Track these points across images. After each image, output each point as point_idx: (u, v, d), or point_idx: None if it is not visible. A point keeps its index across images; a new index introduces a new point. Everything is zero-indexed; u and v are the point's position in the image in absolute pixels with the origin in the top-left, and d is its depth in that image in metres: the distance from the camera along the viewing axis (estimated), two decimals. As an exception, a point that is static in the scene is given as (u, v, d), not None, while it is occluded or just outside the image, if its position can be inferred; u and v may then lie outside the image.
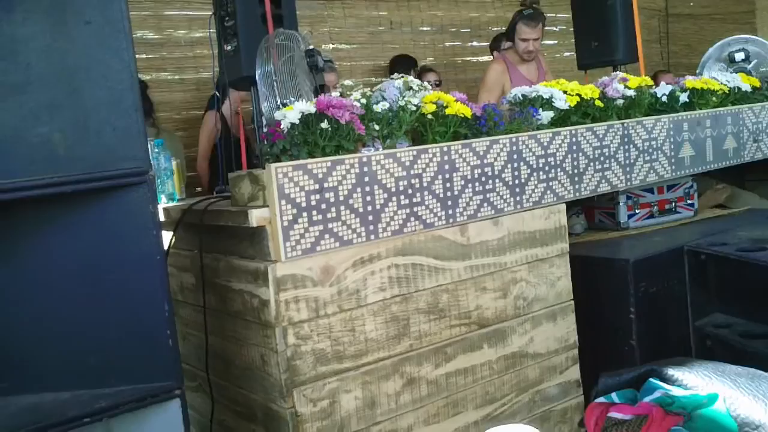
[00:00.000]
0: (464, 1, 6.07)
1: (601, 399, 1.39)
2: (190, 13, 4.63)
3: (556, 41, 6.53)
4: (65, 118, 1.58)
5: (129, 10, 1.60)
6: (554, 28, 6.60)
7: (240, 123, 3.94)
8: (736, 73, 3.50)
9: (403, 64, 4.87)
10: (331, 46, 5.19)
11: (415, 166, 2.11)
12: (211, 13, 2.76)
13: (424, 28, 5.78)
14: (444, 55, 5.87)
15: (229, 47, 2.69)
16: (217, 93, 4.22)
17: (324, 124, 1.92)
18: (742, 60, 3.92)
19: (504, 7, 6.28)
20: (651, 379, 1.15)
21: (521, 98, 2.51)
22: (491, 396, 2.31)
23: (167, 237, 2.20)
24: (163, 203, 2.47)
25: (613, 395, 1.31)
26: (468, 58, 6.10)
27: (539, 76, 4.26)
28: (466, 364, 2.25)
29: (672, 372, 1.15)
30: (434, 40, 5.59)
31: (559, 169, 2.46)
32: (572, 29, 4.44)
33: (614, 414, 1.28)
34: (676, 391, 1.09)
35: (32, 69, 1.56)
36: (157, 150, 2.43)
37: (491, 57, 5.27)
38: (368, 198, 2.02)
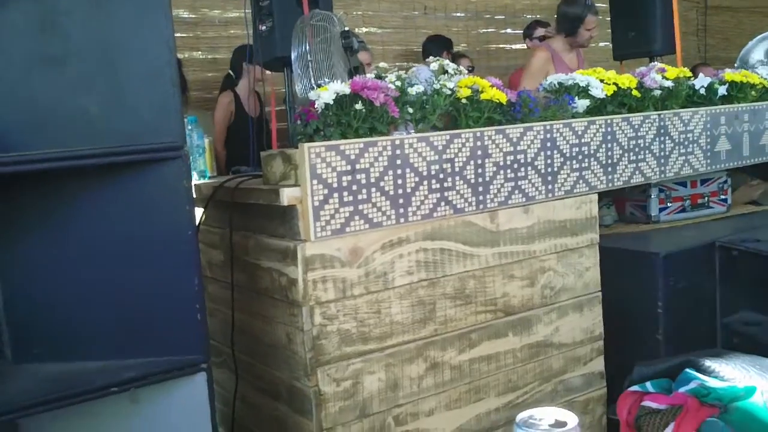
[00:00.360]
0: (500, -13, 6.02)
1: (635, 388, 1.38)
2: (226, -8, 4.65)
3: (591, 31, 6.43)
4: (103, 91, 1.59)
5: (169, -14, 1.60)
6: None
7: (255, 104, 3.95)
8: (776, 68, 3.44)
9: (438, 44, 4.82)
10: (364, 29, 5.17)
11: (448, 151, 2.10)
12: (246, -7, 2.76)
13: (458, 14, 5.74)
14: (477, 41, 5.82)
15: (263, 27, 2.70)
16: (231, 72, 4.24)
17: (358, 105, 1.92)
18: (783, 54, 3.84)
19: (539, -6, 6.22)
20: (687, 370, 1.13)
21: (557, 86, 2.48)
22: (514, 384, 2.30)
23: (198, 213, 2.21)
24: (194, 180, 2.49)
25: (648, 384, 1.30)
26: (501, 45, 6.05)
27: (579, 66, 4.21)
28: (490, 351, 2.24)
29: (709, 363, 1.13)
30: (468, 26, 5.55)
31: (592, 159, 2.43)
32: (608, 19, 4.40)
33: (648, 403, 1.27)
34: (712, 382, 1.08)
35: (71, 41, 1.57)
36: (190, 127, 2.45)
37: (524, 44, 5.22)
38: (399, 181, 2.01)
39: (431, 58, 2.21)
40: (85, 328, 1.67)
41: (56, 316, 1.66)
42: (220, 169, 3.59)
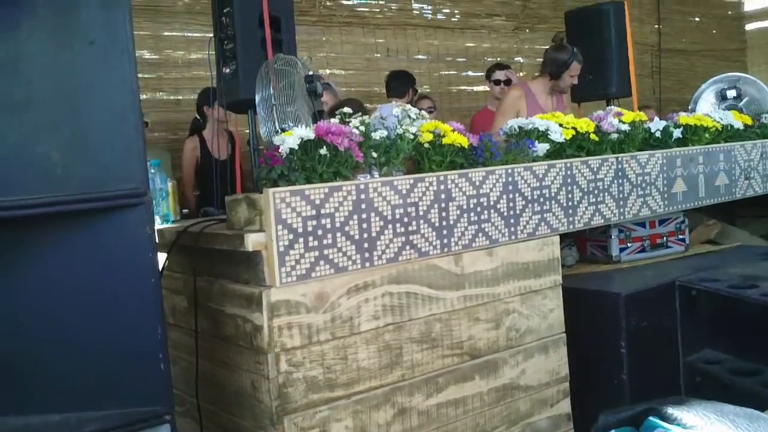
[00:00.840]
0: (460, 30, 6.13)
1: (600, 437, 1.38)
2: (189, 34, 4.65)
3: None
4: (65, 136, 1.57)
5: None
6: (549, 61, 6.66)
7: (223, 145, 3.94)
8: (728, 110, 3.55)
9: (402, 81, 4.84)
10: (327, 71, 5.21)
11: (412, 195, 2.11)
12: (210, 35, 2.77)
13: (420, 57, 5.83)
14: (439, 83, 5.91)
15: (227, 70, 2.70)
16: (197, 117, 4.24)
17: (323, 150, 1.92)
18: (734, 98, 3.98)
19: (499, 38, 6.35)
20: (651, 418, 1.14)
21: (517, 130, 2.53)
22: (482, 428, 2.29)
23: (161, 258, 2.18)
24: (157, 224, 2.45)
25: (612, 432, 1.30)
26: (463, 87, 6.15)
27: (558, 110, 4.26)
28: (457, 395, 2.23)
29: (671, 411, 1.15)
30: (430, 68, 5.65)
31: (553, 201, 2.47)
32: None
33: (612, 452, 1.27)
34: (675, 430, 1.09)
35: (34, 87, 1.56)
36: (153, 171, 2.43)
37: (486, 86, 5.30)
38: (364, 225, 2.02)
39: (394, 102, 2.23)
40: (44, 380, 1.63)
41: (13, 367, 1.62)
42: (191, 210, 3.57)
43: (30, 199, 1.52)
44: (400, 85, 4.78)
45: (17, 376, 1.63)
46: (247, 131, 2.81)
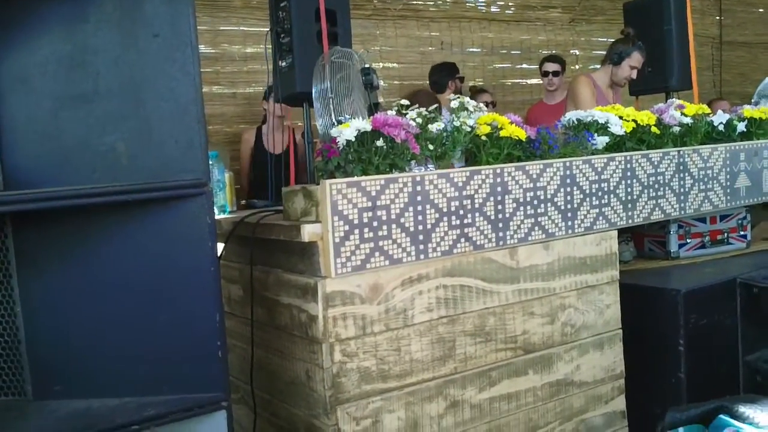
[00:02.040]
0: (515, 23, 6.06)
1: (669, 434, 1.36)
2: (245, 28, 4.71)
3: (607, 66, 6.46)
4: (130, 128, 1.61)
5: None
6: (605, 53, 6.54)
7: (282, 139, 4.00)
8: (793, 104, 3.43)
9: (443, 74, 4.80)
10: (381, 65, 5.22)
11: (468, 187, 2.10)
12: (267, 29, 2.80)
13: (474, 49, 5.79)
14: (493, 76, 5.86)
15: (284, 63, 2.72)
16: (263, 108, 4.30)
17: (379, 142, 1.93)
18: (800, 91, 3.84)
19: (555, 30, 6.26)
20: (721, 416, 1.11)
21: (576, 122, 2.49)
22: (534, 423, 2.27)
23: (218, 248, 2.22)
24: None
25: (680, 430, 1.27)
26: (517, 80, 6.09)
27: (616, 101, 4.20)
28: (510, 389, 2.22)
29: (743, 409, 1.11)
30: (484, 61, 5.61)
31: (612, 195, 2.43)
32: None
33: (681, 450, 1.25)
34: (747, 429, 1.06)
35: (101, 79, 1.61)
36: (211, 162, 2.46)
37: (539, 80, 5.24)
38: (419, 217, 2.02)
39: (452, 95, 2.22)
40: (105, 365, 1.67)
41: (77, 352, 1.66)
42: (247, 201, 3.65)
43: (96, 188, 1.56)
44: (439, 78, 4.75)
45: (79, 360, 1.67)
46: (300, 124, 2.84)
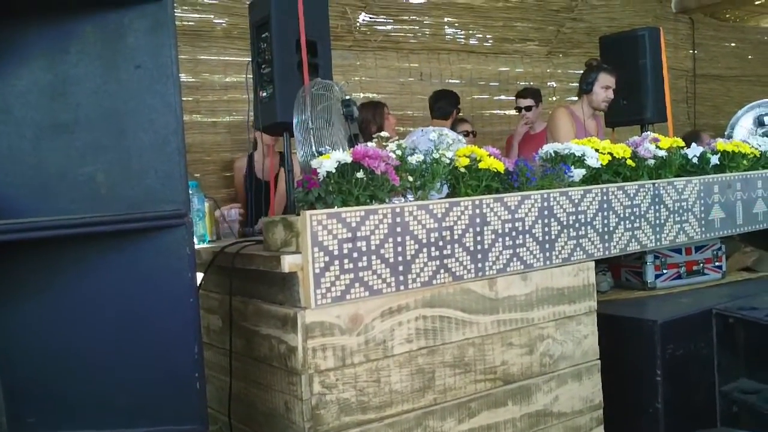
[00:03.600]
0: (494, 55, 6.15)
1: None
2: (226, 58, 4.73)
3: (583, 98, 6.57)
4: (110, 158, 1.61)
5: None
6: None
7: (271, 167, 4.01)
8: (766, 136, 3.51)
9: (448, 99, 4.85)
10: (361, 94, 5.26)
11: (447, 219, 2.12)
12: (247, 59, 2.81)
13: (453, 81, 5.86)
14: (472, 107, 5.93)
15: (264, 93, 2.74)
16: (253, 137, 4.31)
17: (359, 174, 1.94)
18: (772, 124, 3.93)
19: (532, 62, 6.36)
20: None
21: (553, 155, 2.53)
22: (514, 454, 2.27)
23: (197, 278, 2.21)
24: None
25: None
26: (495, 111, 6.16)
27: (599, 134, 4.27)
28: (489, 420, 2.22)
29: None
30: (462, 92, 5.65)
31: (589, 227, 2.46)
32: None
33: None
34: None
35: (81, 109, 1.61)
36: (191, 192, 2.46)
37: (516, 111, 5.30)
38: (399, 248, 2.03)
39: (431, 127, 2.24)
40: (81, 397, 1.65)
41: (53, 384, 1.64)
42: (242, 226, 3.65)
43: (75, 219, 1.55)
44: (446, 105, 4.79)
45: (55, 392, 1.65)
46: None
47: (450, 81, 5.83)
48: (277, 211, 3.48)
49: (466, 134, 4.76)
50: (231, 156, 4.61)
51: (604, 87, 4.15)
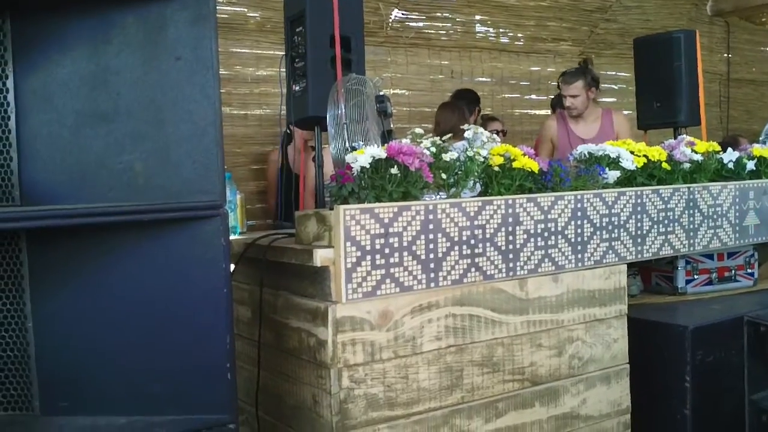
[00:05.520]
0: (525, 54, 6.11)
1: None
2: (259, 51, 4.76)
3: (615, 99, 6.52)
4: (148, 148, 1.63)
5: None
6: (614, 86, 6.60)
7: (302, 161, 4.03)
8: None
9: (465, 99, 4.85)
10: (391, 91, 5.26)
11: (480, 217, 2.11)
12: (280, 52, 2.82)
13: (484, 79, 5.84)
14: (502, 106, 5.91)
15: (297, 87, 2.75)
16: (288, 130, 4.32)
17: (393, 170, 1.94)
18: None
19: (564, 62, 6.30)
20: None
21: (587, 156, 2.50)
22: (539, 456, 2.26)
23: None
24: (226, 236, 2.50)
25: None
26: (526, 111, 6.13)
27: (600, 135, 4.25)
28: (516, 421, 2.21)
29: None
30: (493, 90, 5.66)
31: (622, 230, 2.43)
32: (632, 88, 4.45)
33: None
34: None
35: (121, 99, 1.62)
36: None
37: (548, 111, 5.29)
38: (431, 245, 2.02)
39: (467, 125, 2.23)
40: (113, 383, 1.67)
41: (86, 369, 1.66)
42: (273, 221, 3.69)
43: (112, 207, 1.57)
44: (466, 105, 4.78)
45: (88, 377, 1.67)
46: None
47: (480, 79, 5.82)
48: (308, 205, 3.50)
49: (497, 133, 4.73)
50: (261, 149, 4.63)
51: (564, 95, 4.35)
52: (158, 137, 1.62)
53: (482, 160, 2.15)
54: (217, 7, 1.70)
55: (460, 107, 4.45)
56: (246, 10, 4.75)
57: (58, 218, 1.51)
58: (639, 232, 2.49)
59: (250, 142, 4.68)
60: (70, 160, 1.65)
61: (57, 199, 1.64)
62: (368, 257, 1.91)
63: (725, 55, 7.49)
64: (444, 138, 2.16)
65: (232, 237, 2.51)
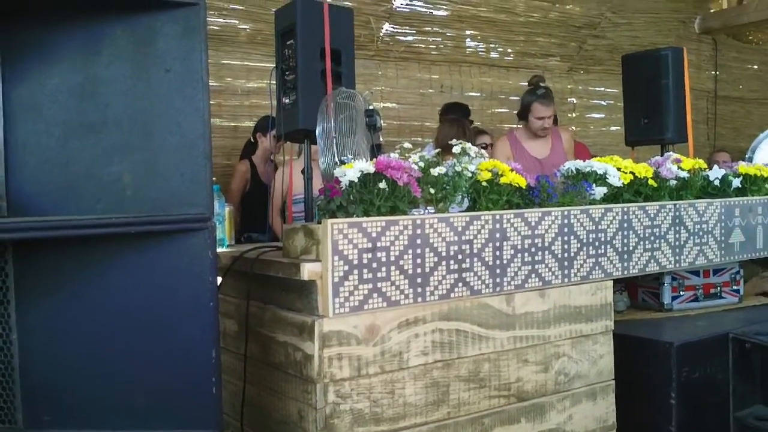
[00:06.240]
0: (514, 69, 6.15)
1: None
2: (249, 63, 4.77)
3: (603, 115, 6.57)
4: (136, 160, 1.63)
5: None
6: (602, 102, 6.65)
7: (269, 173, 4.01)
8: (787, 161, 3.49)
9: (455, 113, 4.85)
10: (381, 104, 5.28)
11: (467, 232, 2.12)
12: (270, 65, 2.83)
13: (474, 93, 5.86)
14: (491, 120, 5.93)
15: (287, 100, 2.76)
16: (252, 140, 4.32)
17: (382, 184, 1.94)
18: (795, 148, 3.91)
19: (553, 78, 6.36)
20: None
21: (574, 172, 2.52)
22: (525, 472, 2.26)
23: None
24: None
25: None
26: (514, 125, 6.15)
27: (552, 154, 4.24)
28: (502, 436, 2.21)
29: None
30: (483, 105, 5.68)
31: (608, 246, 2.45)
32: (620, 104, 4.48)
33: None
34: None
35: (110, 110, 1.62)
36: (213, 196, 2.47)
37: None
38: (418, 260, 2.02)
39: (454, 141, 2.24)
40: (98, 397, 1.66)
41: (71, 382, 1.65)
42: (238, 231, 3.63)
43: (99, 219, 1.56)
44: (456, 115, 4.78)
45: (72, 390, 1.66)
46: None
47: (470, 94, 5.85)
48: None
49: (485, 146, 4.74)
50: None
51: (538, 118, 4.13)
52: (147, 149, 1.62)
53: (470, 175, 2.15)
54: (208, 19, 1.71)
55: (461, 122, 4.43)
56: (237, 22, 4.76)
57: (45, 230, 1.51)
58: (625, 249, 2.50)
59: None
60: (58, 171, 1.64)
61: (44, 210, 1.63)
62: (356, 271, 1.91)
63: (713, 72, 7.56)
64: (434, 153, 2.17)
65: (219, 250, 2.50)
